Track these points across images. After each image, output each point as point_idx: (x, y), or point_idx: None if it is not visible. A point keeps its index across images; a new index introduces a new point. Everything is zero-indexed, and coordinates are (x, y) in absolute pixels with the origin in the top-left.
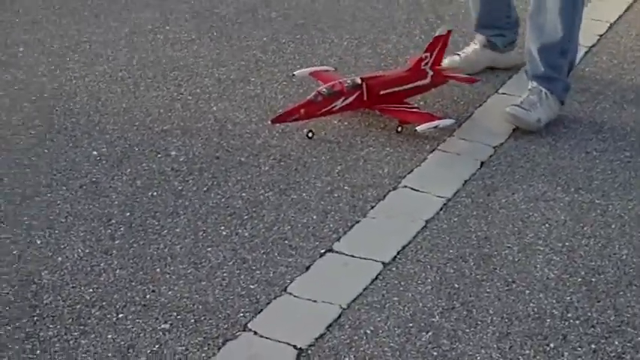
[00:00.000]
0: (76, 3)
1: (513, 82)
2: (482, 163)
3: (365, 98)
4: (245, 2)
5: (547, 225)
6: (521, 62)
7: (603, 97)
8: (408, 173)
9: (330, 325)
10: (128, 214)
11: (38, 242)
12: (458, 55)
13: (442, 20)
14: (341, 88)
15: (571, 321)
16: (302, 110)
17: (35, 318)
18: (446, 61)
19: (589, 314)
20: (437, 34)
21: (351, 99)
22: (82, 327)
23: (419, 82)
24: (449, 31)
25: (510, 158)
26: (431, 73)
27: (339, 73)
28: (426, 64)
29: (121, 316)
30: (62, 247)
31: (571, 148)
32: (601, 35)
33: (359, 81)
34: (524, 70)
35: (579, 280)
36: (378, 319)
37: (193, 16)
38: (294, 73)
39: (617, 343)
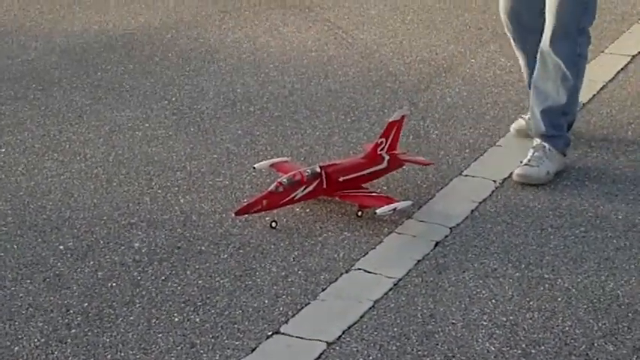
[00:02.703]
0: (61, 104)
1: (478, 165)
2: (436, 244)
3: (324, 186)
4: (225, 97)
5: (493, 301)
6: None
7: (566, 174)
8: (363, 256)
9: None
10: (86, 304)
11: None
12: (523, 118)
13: (416, 107)
14: (301, 178)
15: None
16: (264, 201)
17: None
18: (514, 125)
19: None
20: (391, 120)
21: (311, 187)
22: None
23: (376, 167)
24: (403, 116)
25: (465, 238)
26: (387, 157)
27: (299, 163)
28: (382, 149)
29: None
30: (20, 337)
31: (527, 226)
32: None
33: (318, 169)
34: (527, 129)
35: (519, 352)
36: None
37: (173, 112)
38: (254, 166)
39: None
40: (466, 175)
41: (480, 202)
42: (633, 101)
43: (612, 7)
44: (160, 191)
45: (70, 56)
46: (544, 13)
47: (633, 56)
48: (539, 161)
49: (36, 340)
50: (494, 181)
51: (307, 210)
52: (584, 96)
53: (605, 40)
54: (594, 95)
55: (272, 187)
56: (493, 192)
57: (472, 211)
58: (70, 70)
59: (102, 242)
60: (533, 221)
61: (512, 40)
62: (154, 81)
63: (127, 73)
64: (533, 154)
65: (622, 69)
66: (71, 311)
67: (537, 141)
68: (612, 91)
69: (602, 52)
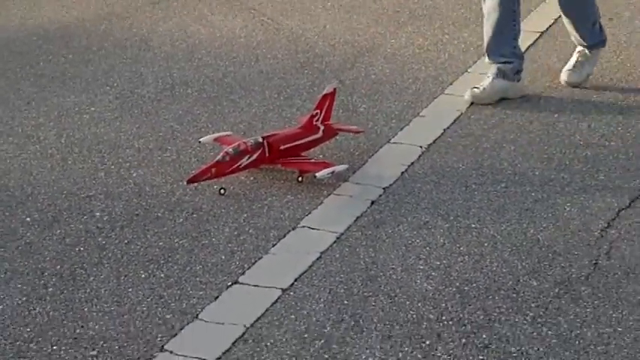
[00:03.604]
0: (9, 93)
1: (404, 133)
2: (372, 202)
3: (267, 154)
4: (164, 82)
5: (427, 248)
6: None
7: (485, 139)
8: (307, 215)
9: (235, 342)
10: (59, 267)
11: None
12: (477, 88)
13: (344, 84)
14: (245, 147)
15: (445, 322)
16: (212, 170)
17: None
18: (467, 95)
19: (461, 315)
20: (324, 92)
21: (255, 156)
22: (21, 359)
23: (313, 137)
24: (334, 89)
25: (398, 196)
26: (322, 127)
27: (240, 136)
28: (318, 119)
29: (55, 348)
30: (2, 297)
31: (452, 184)
32: None
33: (260, 139)
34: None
35: (454, 289)
36: (277, 333)
37: (116, 97)
38: (200, 140)
39: (484, 336)
40: (394, 143)
41: (409, 165)
42: (543, 73)
43: None
44: (112, 167)
45: (11, 49)
46: None
47: (542, 32)
48: (582, 66)
49: (17, 299)
50: (421, 147)
51: (252, 178)
52: None
53: None
54: None
55: (219, 156)
56: (420, 156)
57: (402, 173)
58: (13, 61)
59: (65, 213)
60: (458, 180)
61: None
62: (94, 69)
63: (68, 62)
64: (576, 59)
65: (532, 44)
66: (46, 273)
67: (579, 48)
68: (524, 64)
69: None
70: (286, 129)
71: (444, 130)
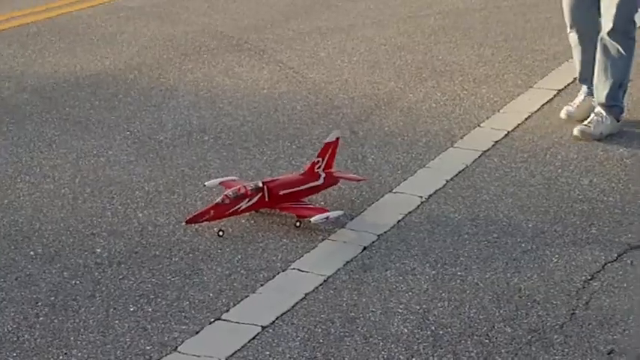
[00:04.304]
0: (32, 135)
1: (407, 183)
2: (364, 248)
3: (266, 199)
4: (182, 128)
5: (410, 293)
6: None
7: (486, 191)
8: (299, 258)
9: None
10: (53, 298)
11: None
12: (571, 106)
13: (356, 135)
14: (245, 191)
15: None
16: (212, 212)
17: None
18: (563, 113)
19: (430, 358)
20: (327, 141)
21: (254, 200)
22: None
23: (313, 183)
24: (337, 138)
25: (390, 243)
26: (323, 175)
27: (246, 180)
28: (319, 167)
29: None
30: None
31: (446, 233)
32: (496, 141)
33: (260, 184)
34: (593, 100)
35: (429, 333)
36: None
37: (134, 142)
38: (205, 183)
39: None
40: (396, 192)
41: (406, 214)
42: (554, 129)
43: (546, 48)
44: (120, 207)
45: (40, 94)
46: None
47: (559, 90)
48: (597, 125)
49: (9, 326)
50: (421, 197)
51: (252, 221)
52: (510, 124)
53: (535, 77)
54: (519, 124)
55: (219, 199)
56: (419, 206)
57: (398, 221)
58: (40, 106)
59: (67, 249)
60: (451, 229)
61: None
62: (118, 115)
63: (93, 108)
64: (593, 117)
65: (548, 101)
66: (39, 304)
67: (597, 109)
68: (536, 120)
69: (531, 87)
70: (287, 174)
71: (447, 181)
